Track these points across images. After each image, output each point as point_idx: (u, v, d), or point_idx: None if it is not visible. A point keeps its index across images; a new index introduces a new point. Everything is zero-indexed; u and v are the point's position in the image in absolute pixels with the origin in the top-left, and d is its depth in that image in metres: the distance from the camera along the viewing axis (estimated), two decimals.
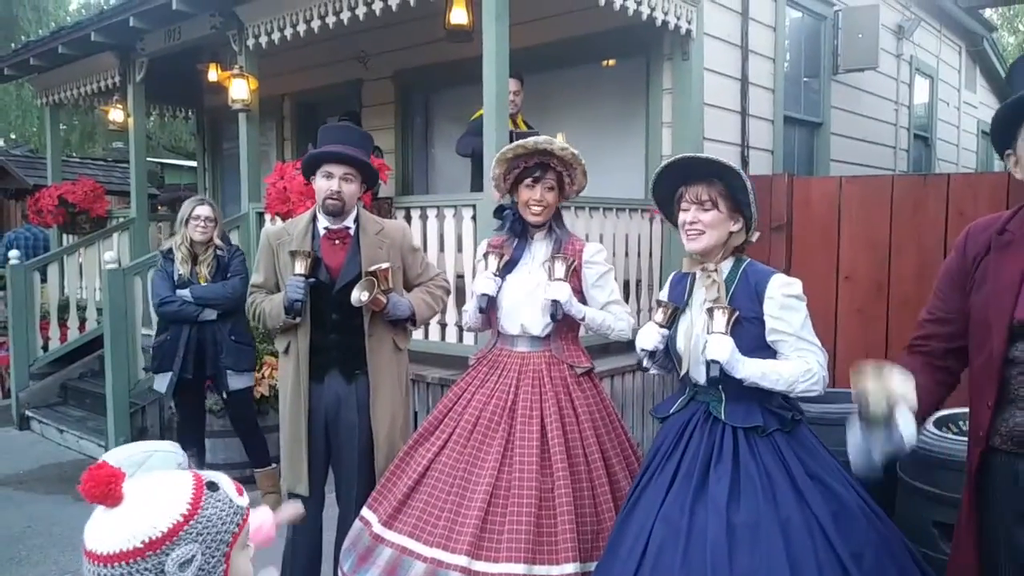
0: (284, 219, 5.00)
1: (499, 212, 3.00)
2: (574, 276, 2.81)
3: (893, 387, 1.83)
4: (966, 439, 2.04)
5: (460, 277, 4.90)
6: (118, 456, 1.48)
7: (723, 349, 2.15)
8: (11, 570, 4.01)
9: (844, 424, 3.83)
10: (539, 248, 2.91)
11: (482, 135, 4.71)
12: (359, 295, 2.93)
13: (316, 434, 3.11)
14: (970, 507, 1.96)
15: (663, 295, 2.52)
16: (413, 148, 7.86)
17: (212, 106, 9.39)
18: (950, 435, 3.25)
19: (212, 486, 1.28)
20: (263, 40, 5.95)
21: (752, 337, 2.24)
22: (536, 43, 5.90)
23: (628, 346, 2.49)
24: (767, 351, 2.25)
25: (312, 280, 3.00)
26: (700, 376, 2.30)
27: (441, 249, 5.01)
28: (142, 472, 1.41)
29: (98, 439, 5.95)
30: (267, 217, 5.59)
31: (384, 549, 2.71)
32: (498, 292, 2.86)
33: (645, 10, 5.03)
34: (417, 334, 5.04)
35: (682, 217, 2.32)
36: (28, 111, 19.20)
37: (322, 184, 3.06)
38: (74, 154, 17.32)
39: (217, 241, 4.52)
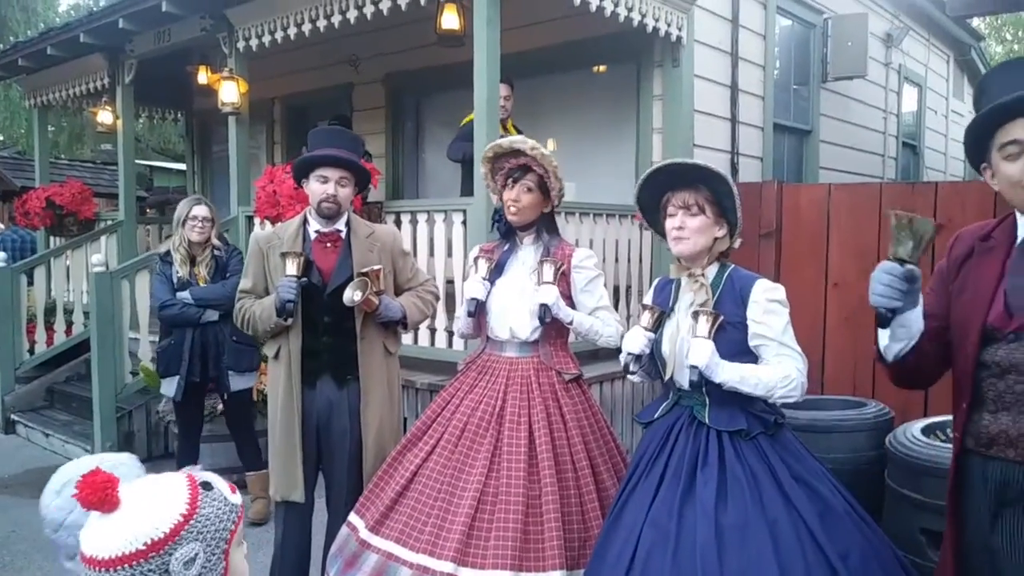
0: (273, 223, 4.98)
1: (496, 215, 3.02)
2: (563, 280, 2.82)
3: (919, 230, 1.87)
4: (951, 446, 2.06)
5: (450, 282, 4.89)
6: (70, 471, 1.43)
7: (703, 354, 2.17)
8: None
9: (833, 431, 3.86)
10: (528, 252, 2.92)
11: (473, 140, 4.71)
12: (352, 295, 2.92)
13: (308, 440, 3.08)
14: (950, 509, 1.98)
15: (648, 299, 2.53)
16: (404, 152, 7.86)
17: (202, 109, 9.35)
18: (937, 442, 3.27)
19: (207, 485, 1.30)
20: (253, 43, 5.94)
21: (735, 342, 2.26)
22: (527, 48, 5.90)
23: (617, 352, 2.49)
24: (749, 355, 2.27)
25: (304, 281, 2.99)
26: (684, 380, 2.31)
27: (431, 254, 5.00)
28: None
29: (84, 443, 5.91)
30: (256, 221, 5.57)
31: (370, 555, 2.70)
32: (487, 296, 2.87)
33: (636, 17, 5.05)
34: (406, 339, 5.02)
35: (669, 223, 2.35)
36: (16, 112, 19.09)
37: (317, 188, 3.05)
38: (62, 156, 17.24)
39: (215, 241, 4.50)
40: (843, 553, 2.06)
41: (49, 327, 7.13)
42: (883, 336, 1.98)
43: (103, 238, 7.73)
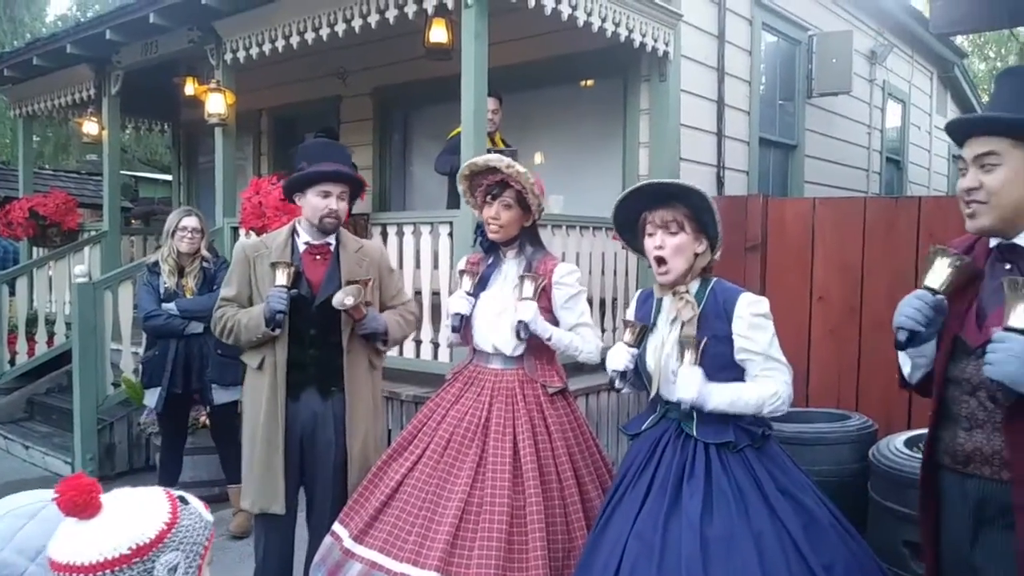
0: (259, 234, 4.95)
1: (479, 229, 3.02)
2: (544, 296, 2.81)
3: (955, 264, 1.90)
4: None
5: (436, 294, 4.88)
6: (9, 505, 1.38)
7: (691, 387, 2.18)
8: None
9: (819, 444, 3.87)
10: (511, 267, 2.92)
11: (460, 153, 4.72)
12: (344, 298, 2.90)
13: (291, 452, 3.06)
14: (922, 523, 2.00)
15: (630, 314, 2.53)
16: (391, 165, 7.86)
17: (188, 120, 9.33)
18: (919, 455, 3.28)
19: (183, 499, 1.30)
20: (241, 55, 5.93)
21: (721, 356, 2.26)
22: (516, 62, 5.93)
23: (603, 364, 2.48)
24: (736, 369, 2.28)
25: (294, 292, 2.97)
26: (670, 394, 2.30)
27: (417, 266, 4.99)
28: (35, 523, 1.34)
29: (65, 456, 5.84)
30: (242, 232, 5.54)
31: (354, 564, 2.69)
32: (472, 311, 2.87)
33: (623, 32, 5.08)
34: (392, 351, 5.01)
35: (648, 242, 2.33)
36: (1, 122, 18.96)
37: (319, 203, 3.04)
38: (47, 166, 17.11)
39: (204, 252, 4.48)
40: (827, 565, 2.06)
41: (30, 338, 7.07)
42: (904, 363, 2.05)
43: (86, 249, 7.69)
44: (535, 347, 2.83)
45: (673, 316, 2.34)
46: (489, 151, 4.74)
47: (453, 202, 5.41)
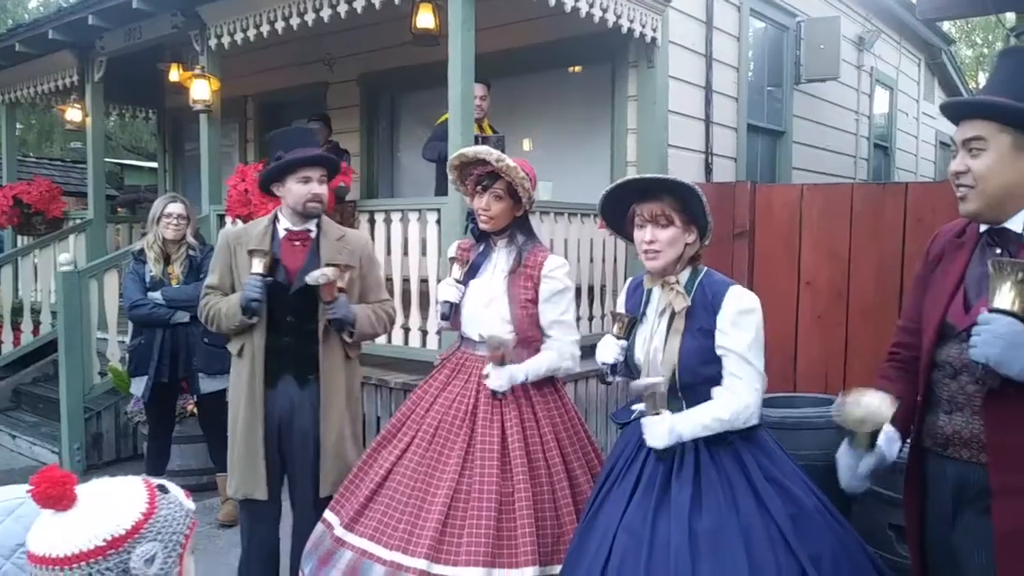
0: (245, 222, 4.93)
1: (469, 217, 3.01)
2: (531, 287, 2.79)
3: (873, 413, 1.89)
4: None
5: (424, 281, 4.87)
6: None
7: (661, 438, 2.15)
8: None
9: (803, 428, 3.89)
10: (501, 256, 2.90)
11: (447, 140, 4.70)
12: (319, 275, 2.87)
13: (270, 439, 3.05)
14: (906, 505, 2.02)
15: (619, 305, 2.51)
16: (379, 151, 7.82)
17: (174, 106, 9.25)
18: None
19: (163, 488, 1.29)
20: (226, 41, 5.87)
21: (706, 350, 2.24)
22: (503, 48, 5.90)
23: (591, 351, 2.47)
24: (718, 364, 2.25)
25: (269, 280, 2.96)
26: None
27: (405, 253, 4.98)
28: (12, 520, 1.35)
29: (52, 445, 5.82)
30: (228, 219, 5.51)
31: (345, 552, 2.69)
32: (461, 299, 2.86)
33: (611, 18, 5.06)
34: (380, 339, 4.99)
35: (638, 235, 2.31)
36: None
37: (301, 189, 3.02)
38: (31, 154, 16.95)
39: (190, 239, 4.44)
40: (815, 556, 2.06)
41: (16, 327, 7.02)
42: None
43: (71, 237, 7.62)
44: (523, 336, 2.82)
45: (663, 307, 2.33)
46: (477, 138, 4.73)
47: (442, 188, 5.40)
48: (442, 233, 4.72)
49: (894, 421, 1.92)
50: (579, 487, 2.70)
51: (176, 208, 4.37)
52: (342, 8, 5.03)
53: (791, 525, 2.09)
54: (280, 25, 5.47)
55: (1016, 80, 1.79)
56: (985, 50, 23.99)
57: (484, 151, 2.80)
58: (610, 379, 2.41)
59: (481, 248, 2.94)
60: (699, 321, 2.25)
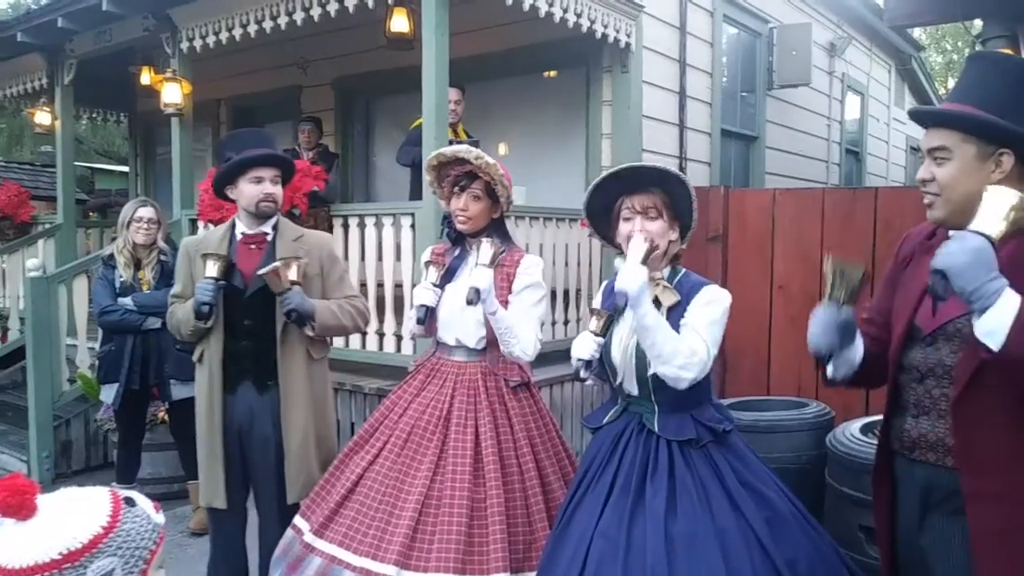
0: (216, 226, 4.88)
1: (445, 220, 2.99)
2: (507, 286, 2.79)
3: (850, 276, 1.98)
4: None
5: (399, 286, 4.85)
6: None
7: (636, 280, 2.10)
8: None
9: (775, 431, 3.92)
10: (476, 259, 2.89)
11: (422, 144, 4.69)
12: (267, 268, 2.84)
13: (231, 446, 3.02)
14: (876, 507, 2.03)
15: (596, 303, 2.51)
16: (353, 155, 7.79)
17: (145, 110, 9.14)
18: (875, 441, 3.33)
19: (129, 501, 1.26)
20: (197, 44, 5.83)
21: None
22: (477, 52, 5.90)
23: (567, 355, 2.47)
24: None
25: (223, 283, 2.92)
26: (633, 387, 2.30)
27: (379, 258, 4.96)
28: None
29: (20, 453, 5.72)
30: (200, 224, 5.45)
31: (314, 558, 2.67)
32: (438, 303, 2.84)
33: (585, 23, 5.08)
34: (354, 344, 4.98)
35: (625, 228, 2.30)
36: None
37: (252, 189, 2.98)
38: (0, 158, 16.69)
39: (161, 244, 4.38)
40: (790, 560, 2.07)
41: None
42: (828, 368, 2.05)
43: (40, 242, 7.52)
44: (497, 341, 2.81)
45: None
46: (451, 143, 4.72)
47: (416, 193, 5.38)
48: (416, 237, 4.70)
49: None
50: (552, 493, 2.69)
51: (146, 212, 4.32)
52: (315, 12, 5.01)
53: (767, 529, 2.10)
54: (253, 28, 5.43)
55: (983, 85, 1.81)
56: (955, 56, 24.36)
57: (463, 150, 2.79)
58: (584, 375, 2.39)
59: (457, 252, 2.92)
60: (675, 320, 2.25)
